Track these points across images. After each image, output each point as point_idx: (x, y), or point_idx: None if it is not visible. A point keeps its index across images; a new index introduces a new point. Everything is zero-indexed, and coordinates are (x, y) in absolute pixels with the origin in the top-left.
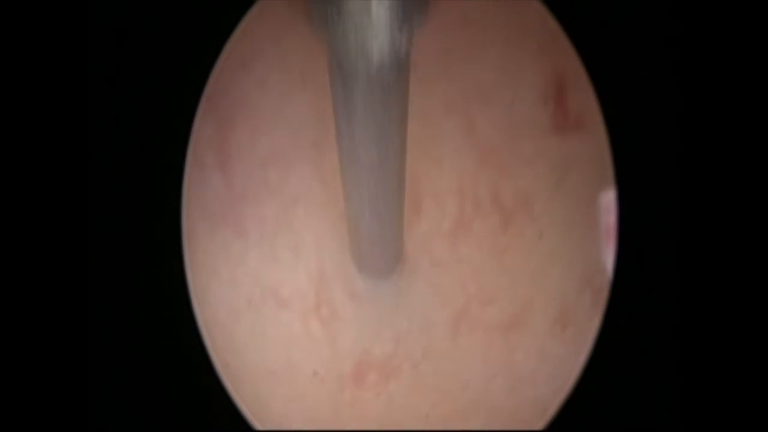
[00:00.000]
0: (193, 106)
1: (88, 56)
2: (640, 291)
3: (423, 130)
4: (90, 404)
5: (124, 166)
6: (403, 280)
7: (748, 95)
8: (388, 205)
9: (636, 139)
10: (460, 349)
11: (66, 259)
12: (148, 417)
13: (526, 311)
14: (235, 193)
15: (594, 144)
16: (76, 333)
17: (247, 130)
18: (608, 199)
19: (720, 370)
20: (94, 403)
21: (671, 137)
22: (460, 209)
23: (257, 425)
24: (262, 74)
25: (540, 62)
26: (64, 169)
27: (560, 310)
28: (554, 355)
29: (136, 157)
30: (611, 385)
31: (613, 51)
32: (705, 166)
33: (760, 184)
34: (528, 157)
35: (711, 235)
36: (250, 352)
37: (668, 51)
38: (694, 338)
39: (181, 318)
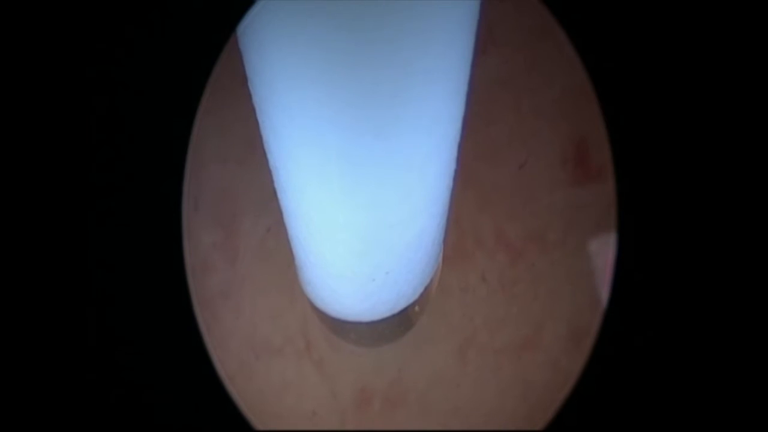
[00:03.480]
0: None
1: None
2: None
3: None
4: (89, 403)
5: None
6: None
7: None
8: None
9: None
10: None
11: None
12: (148, 417)
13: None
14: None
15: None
16: (73, 332)
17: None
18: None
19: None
20: (94, 402)
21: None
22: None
23: (257, 425)
24: None
25: (558, 125)
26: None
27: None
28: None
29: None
30: (611, 385)
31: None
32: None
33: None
34: (543, 204)
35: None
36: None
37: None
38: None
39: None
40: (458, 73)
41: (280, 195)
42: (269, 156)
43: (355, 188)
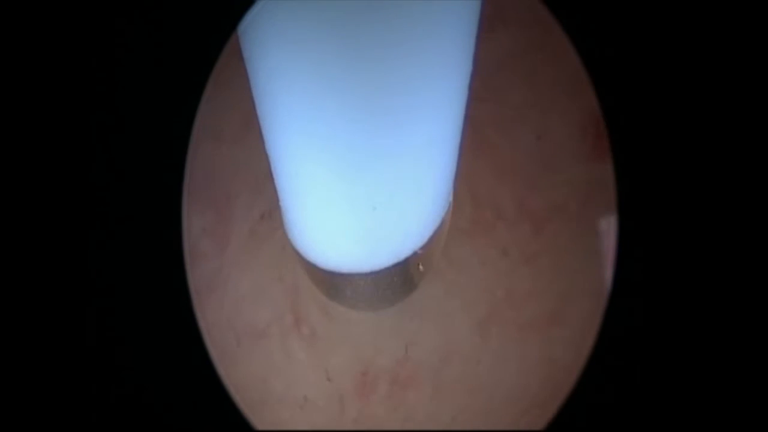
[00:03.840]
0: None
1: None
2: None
3: None
4: (89, 403)
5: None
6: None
7: None
8: None
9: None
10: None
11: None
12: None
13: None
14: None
15: None
16: (73, 333)
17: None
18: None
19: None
20: (93, 402)
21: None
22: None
23: (257, 425)
24: None
25: (576, 98)
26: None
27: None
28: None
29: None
30: (611, 385)
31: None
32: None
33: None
34: (563, 177)
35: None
36: None
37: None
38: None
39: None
40: None
41: (260, 112)
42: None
43: (353, 96)
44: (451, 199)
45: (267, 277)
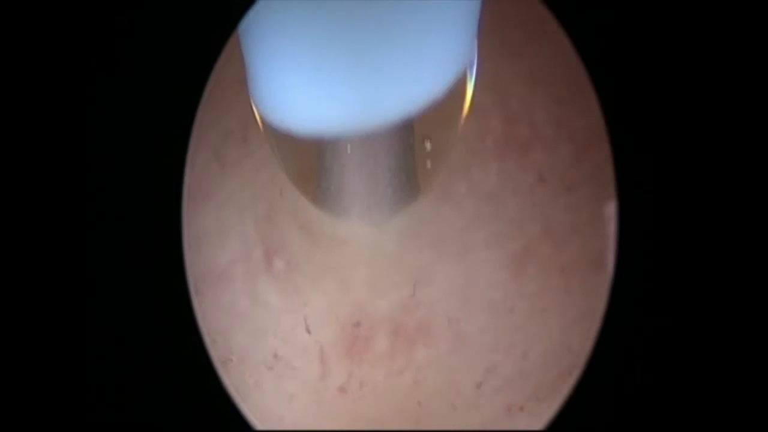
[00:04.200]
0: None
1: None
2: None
3: None
4: (88, 404)
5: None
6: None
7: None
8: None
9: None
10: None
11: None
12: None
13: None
14: None
15: None
16: (73, 331)
17: None
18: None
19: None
20: (93, 402)
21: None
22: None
23: (257, 425)
24: None
25: None
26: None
27: None
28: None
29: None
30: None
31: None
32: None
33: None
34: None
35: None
36: None
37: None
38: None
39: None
40: None
41: None
42: None
43: None
44: (473, 66)
45: (233, 210)
